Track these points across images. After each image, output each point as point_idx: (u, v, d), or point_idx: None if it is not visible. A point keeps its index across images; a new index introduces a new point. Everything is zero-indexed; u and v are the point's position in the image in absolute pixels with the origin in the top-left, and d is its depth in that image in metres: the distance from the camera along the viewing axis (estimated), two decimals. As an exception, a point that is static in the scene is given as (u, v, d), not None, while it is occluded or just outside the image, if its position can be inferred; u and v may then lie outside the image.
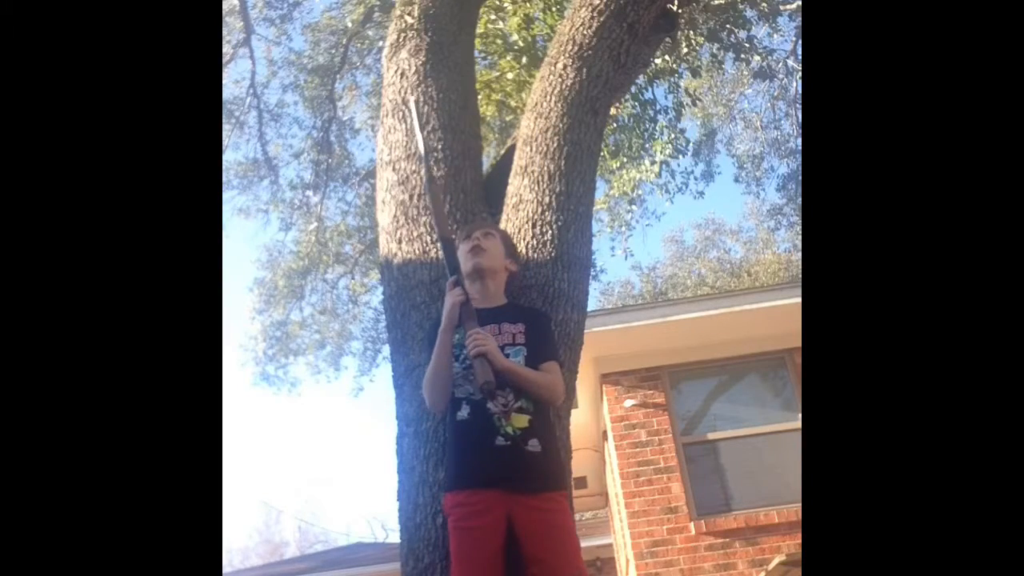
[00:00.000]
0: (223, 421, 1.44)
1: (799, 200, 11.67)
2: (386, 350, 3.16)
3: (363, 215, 10.76)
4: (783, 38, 9.52)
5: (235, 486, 37.12)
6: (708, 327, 6.31)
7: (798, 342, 5.44)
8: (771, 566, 5.38)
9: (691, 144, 9.63)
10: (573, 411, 2.69)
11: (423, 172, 2.46)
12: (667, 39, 4.23)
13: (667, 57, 6.96)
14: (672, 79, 7.44)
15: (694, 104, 9.09)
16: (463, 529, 2.00)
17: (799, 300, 3.86)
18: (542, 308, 2.49)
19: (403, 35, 3.46)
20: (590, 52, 3.07)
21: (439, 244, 2.49)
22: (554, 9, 6.26)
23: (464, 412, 2.09)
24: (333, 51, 10.04)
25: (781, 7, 8.37)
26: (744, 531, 5.84)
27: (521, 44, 6.40)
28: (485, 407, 2.06)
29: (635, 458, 6.17)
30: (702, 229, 19.78)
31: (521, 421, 2.05)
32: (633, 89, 6.75)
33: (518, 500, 1.98)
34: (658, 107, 7.60)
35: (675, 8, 3.63)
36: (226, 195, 10.80)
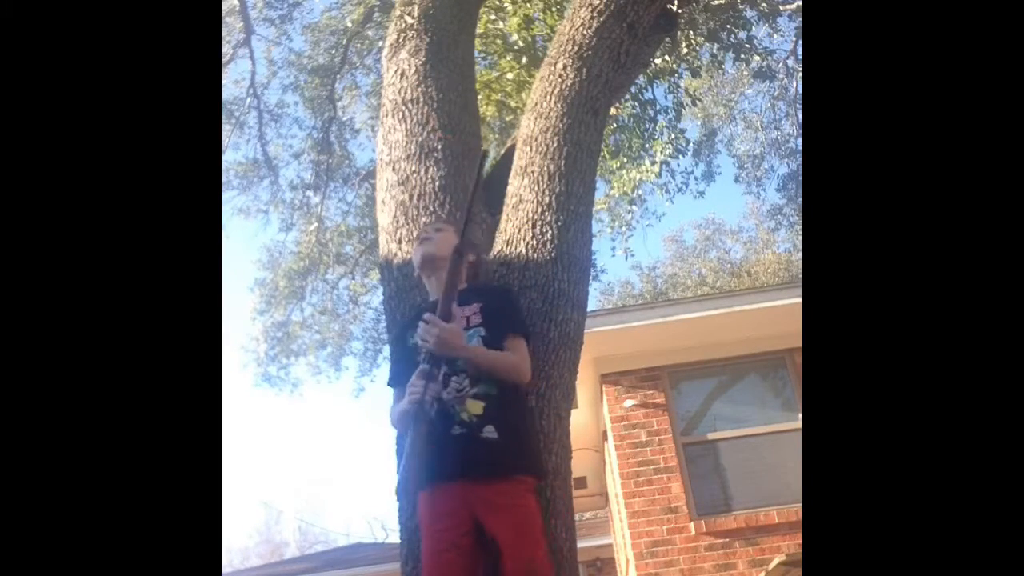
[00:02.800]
0: (223, 422, 1.44)
1: (799, 200, 11.67)
2: (386, 350, 3.16)
3: (363, 215, 10.76)
4: (783, 38, 9.53)
5: (236, 487, 37.16)
6: (708, 327, 6.31)
7: (798, 342, 5.44)
8: (771, 566, 5.38)
9: (691, 144, 9.63)
10: (573, 411, 2.68)
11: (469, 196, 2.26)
12: (667, 39, 4.23)
13: (667, 57, 6.97)
14: (672, 79, 7.45)
15: (694, 104, 9.10)
16: (430, 533, 2.00)
17: (799, 300, 3.86)
18: (543, 309, 2.48)
19: (403, 35, 3.46)
20: (590, 52, 3.07)
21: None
22: (554, 9, 6.26)
23: (433, 410, 2.06)
24: (333, 51, 10.04)
25: (781, 7, 8.37)
26: (744, 531, 5.84)
27: (521, 44, 6.41)
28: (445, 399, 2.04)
29: (635, 458, 6.17)
30: (702, 229, 19.80)
31: (476, 408, 2.02)
32: (633, 89, 6.76)
33: (476, 492, 1.96)
34: (658, 107, 7.61)
35: (675, 8, 3.63)
36: (226, 195, 10.81)
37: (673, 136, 8.04)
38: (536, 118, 2.98)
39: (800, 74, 10.07)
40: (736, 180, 13.18)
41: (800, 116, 11.01)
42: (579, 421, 6.95)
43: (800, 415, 6.10)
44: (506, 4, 6.45)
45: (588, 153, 2.93)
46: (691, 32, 7.00)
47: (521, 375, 2.12)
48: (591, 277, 3.18)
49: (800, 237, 12.62)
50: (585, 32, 3.11)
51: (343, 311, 12.07)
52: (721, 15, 6.80)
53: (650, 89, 7.35)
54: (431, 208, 2.85)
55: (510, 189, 2.88)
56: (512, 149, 3.18)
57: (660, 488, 6.04)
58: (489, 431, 2.00)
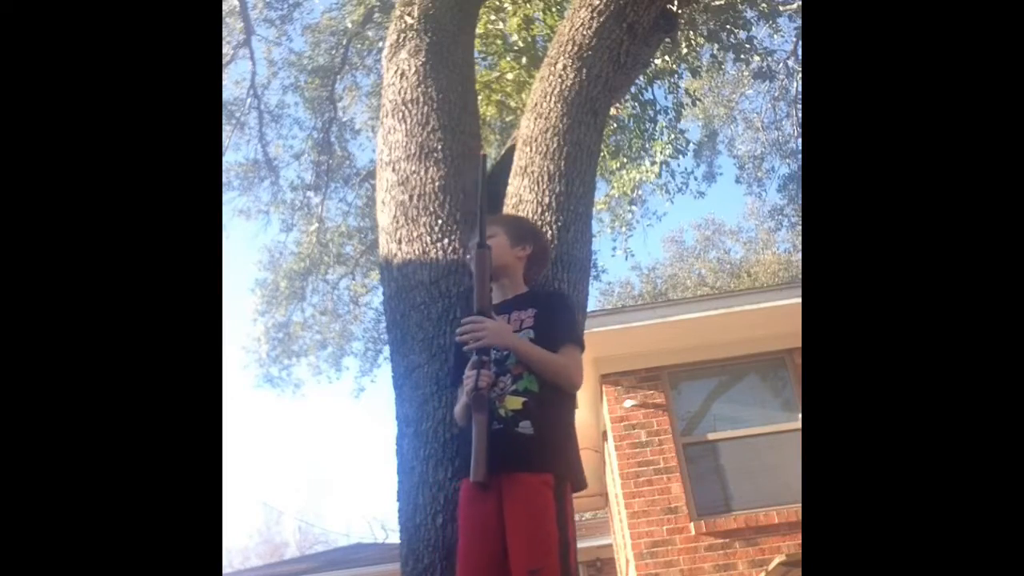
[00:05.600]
0: (223, 422, 1.44)
1: (800, 201, 11.66)
2: (387, 350, 3.16)
3: (364, 216, 10.76)
4: (783, 39, 9.52)
5: (237, 487, 37.17)
6: (708, 327, 6.31)
7: (798, 342, 5.44)
8: (771, 566, 5.38)
9: (691, 145, 9.63)
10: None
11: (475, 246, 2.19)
12: (667, 39, 4.24)
13: (667, 57, 6.97)
14: (672, 79, 7.45)
15: (694, 104, 9.10)
16: (461, 517, 2.04)
17: (799, 300, 3.86)
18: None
19: (403, 35, 3.46)
20: (590, 52, 3.07)
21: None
22: (554, 10, 6.27)
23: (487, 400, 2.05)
24: (333, 52, 10.04)
25: (781, 7, 8.37)
26: (744, 531, 5.85)
27: (521, 44, 6.42)
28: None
29: (635, 458, 6.17)
30: (702, 229, 19.80)
31: (515, 403, 2.02)
32: (633, 89, 6.76)
33: (503, 484, 1.95)
34: (658, 107, 7.61)
35: (675, 8, 3.63)
36: (227, 196, 10.80)
37: (673, 136, 8.04)
38: (536, 118, 2.99)
39: (800, 74, 10.07)
40: (737, 181, 13.17)
41: (800, 116, 11.00)
42: (579, 421, 6.92)
43: (800, 415, 6.10)
44: (506, 4, 6.45)
45: (588, 153, 2.94)
46: (691, 32, 7.00)
47: (571, 380, 2.10)
48: (591, 277, 3.18)
49: (800, 237, 12.63)
50: (585, 32, 3.11)
51: (344, 311, 12.08)
52: (721, 15, 6.81)
53: (650, 89, 7.36)
54: (431, 208, 2.85)
55: (510, 189, 2.88)
56: (512, 149, 3.19)
57: (660, 488, 6.04)
58: (525, 426, 1.99)
